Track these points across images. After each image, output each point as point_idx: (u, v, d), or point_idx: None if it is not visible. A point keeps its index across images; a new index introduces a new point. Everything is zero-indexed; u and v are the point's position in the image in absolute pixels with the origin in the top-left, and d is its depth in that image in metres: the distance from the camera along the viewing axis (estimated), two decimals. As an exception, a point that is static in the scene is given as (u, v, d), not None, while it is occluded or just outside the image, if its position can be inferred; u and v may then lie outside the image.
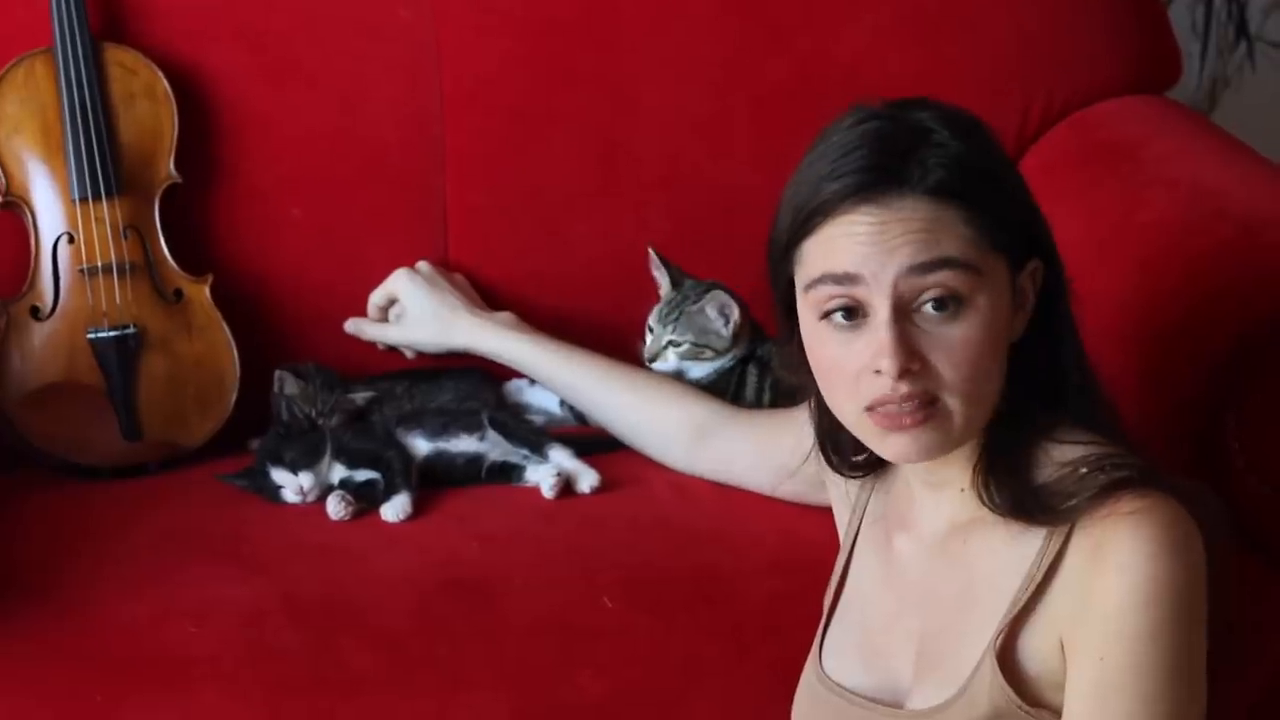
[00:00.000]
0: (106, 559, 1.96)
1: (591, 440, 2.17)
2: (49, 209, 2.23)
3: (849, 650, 1.73)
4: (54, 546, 2.00)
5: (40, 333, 2.21)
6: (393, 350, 2.34)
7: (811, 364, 1.63)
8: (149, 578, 1.93)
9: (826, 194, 1.55)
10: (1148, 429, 1.93)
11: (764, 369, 2.21)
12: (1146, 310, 2.05)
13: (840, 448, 1.74)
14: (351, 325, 2.33)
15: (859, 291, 1.55)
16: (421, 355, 2.33)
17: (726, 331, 2.21)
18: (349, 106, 2.38)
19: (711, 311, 2.21)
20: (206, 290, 2.26)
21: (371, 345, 2.34)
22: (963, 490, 1.64)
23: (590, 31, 2.42)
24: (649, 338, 2.24)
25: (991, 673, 1.57)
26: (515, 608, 1.92)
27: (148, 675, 1.85)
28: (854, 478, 1.77)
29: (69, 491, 2.16)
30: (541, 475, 2.08)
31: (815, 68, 2.43)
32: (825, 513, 1.89)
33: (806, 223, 1.57)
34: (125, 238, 2.23)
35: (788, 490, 2.01)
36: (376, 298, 2.32)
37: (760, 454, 2.04)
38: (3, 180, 2.24)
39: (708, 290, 2.22)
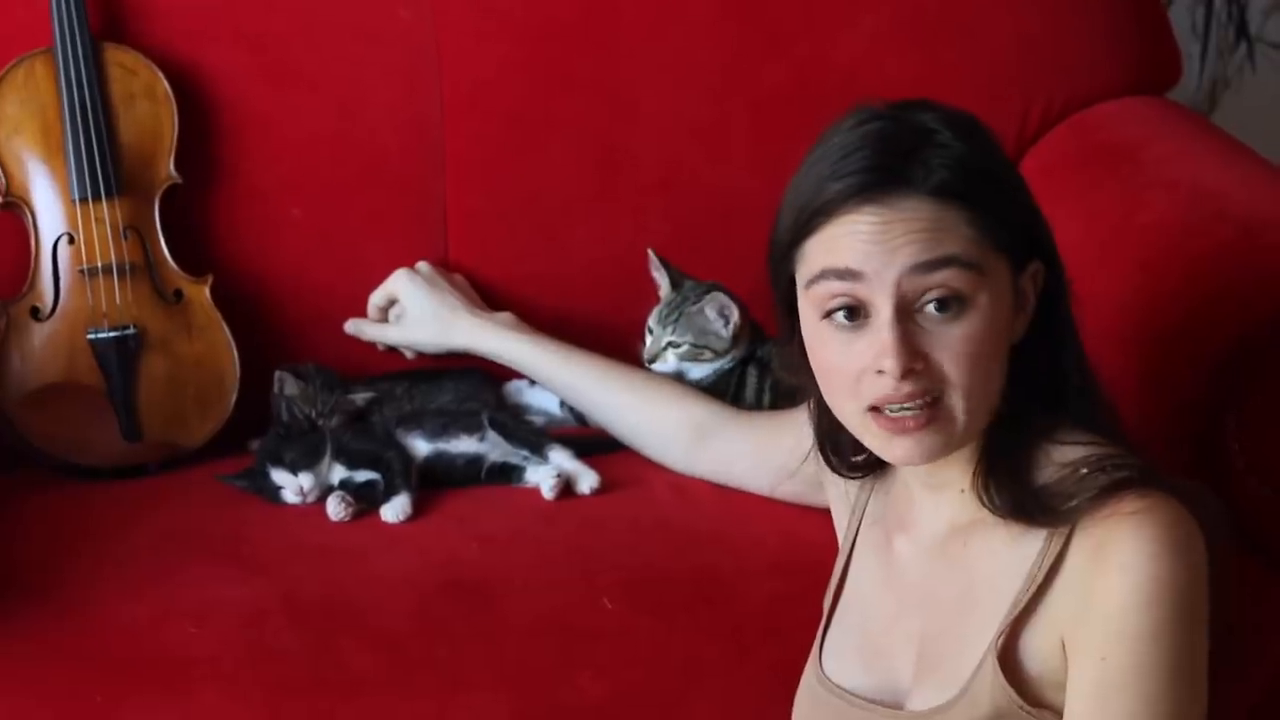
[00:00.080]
0: (106, 559, 1.96)
1: (591, 441, 2.17)
2: (49, 209, 2.23)
3: (849, 652, 1.73)
4: (54, 547, 2.00)
5: (40, 333, 2.21)
6: (393, 351, 2.34)
7: (812, 364, 1.63)
8: (149, 578, 1.93)
9: (830, 193, 1.56)
10: (1148, 430, 1.93)
11: (764, 370, 2.21)
12: (1146, 312, 2.05)
13: (840, 449, 1.74)
14: (351, 326, 2.33)
15: (861, 290, 1.55)
16: (421, 356, 2.33)
17: (726, 333, 2.21)
18: (349, 109, 2.38)
19: (711, 313, 2.21)
20: (206, 291, 2.26)
21: (371, 346, 2.34)
22: (963, 491, 1.64)
23: (589, 36, 2.42)
24: (649, 339, 2.24)
25: (993, 673, 1.56)
26: (515, 609, 1.91)
27: (148, 676, 1.85)
28: (853, 479, 1.77)
29: (69, 492, 2.16)
30: (541, 476, 2.08)
31: (813, 72, 2.43)
32: (825, 514, 1.89)
33: (809, 222, 1.57)
34: (125, 238, 2.22)
35: (787, 491, 2.01)
36: (376, 298, 2.32)
37: (760, 455, 2.04)
38: (3, 180, 2.24)
39: (707, 291, 2.22)
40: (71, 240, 2.22)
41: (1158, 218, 2.17)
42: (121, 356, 2.21)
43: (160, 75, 2.28)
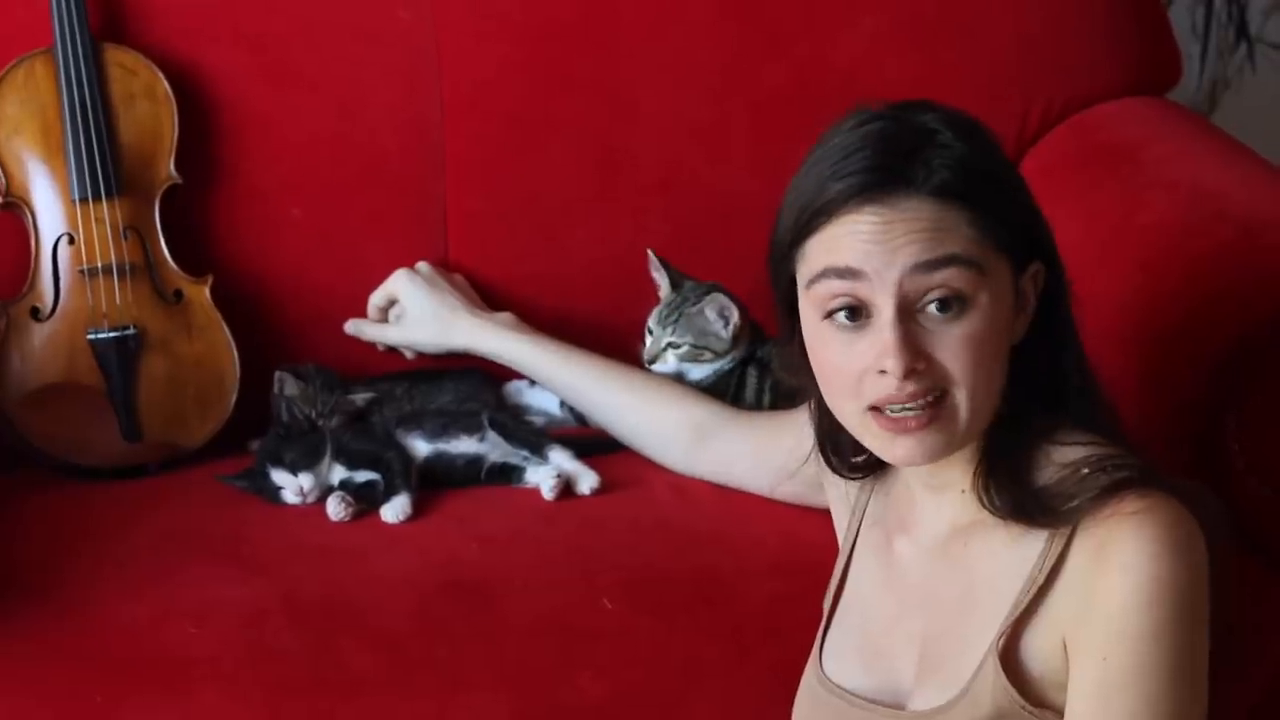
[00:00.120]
0: (106, 559, 1.96)
1: (591, 442, 2.17)
2: (49, 209, 2.23)
3: (849, 652, 1.73)
4: (54, 547, 2.00)
5: (40, 333, 2.21)
6: (393, 351, 2.34)
7: (813, 365, 1.63)
8: (149, 578, 1.93)
9: (831, 193, 1.56)
10: (1148, 431, 1.93)
11: (764, 370, 2.21)
12: (1146, 312, 2.05)
13: (840, 449, 1.73)
14: (351, 326, 2.33)
15: (862, 289, 1.55)
16: (421, 356, 2.33)
17: (726, 333, 2.21)
18: (349, 110, 2.38)
19: (711, 313, 2.21)
20: (206, 291, 2.26)
21: (371, 346, 2.34)
22: (963, 492, 1.64)
23: (589, 37, 2.42)
24: (648, 339, 2.24)
25: (994, 673, 1.56)
26: (515, 609, 1.91)
27: (148, 676, 1.85)
28: (854, 479, 1.77)
29: (69, 492, 2.16)
30: (541, 477, 2.08)
31: (813, 73, 2.43)
32: (825, 515, 1.89)
33: (810, 221, 1.57)
34: (125, 238, 2.22)
35: (787, 492, 2.01)
36: (376, 298, 2.32)
37: (759, 456, 2.04)
38: (3, 181, 2.24)
39: (707, 292, 2.22)
40: (71, 240, 2.22)
41: (1158, 218, 2.17)
42: (121, 357, 2.21)
43: (160, 75, 2.28)
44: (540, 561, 1.96)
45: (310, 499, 2.07)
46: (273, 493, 2.08)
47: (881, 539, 1.74)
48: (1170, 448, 1.98)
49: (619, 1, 2.43)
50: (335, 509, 2.04)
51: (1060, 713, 1.56)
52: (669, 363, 2.21)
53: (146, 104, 2.27)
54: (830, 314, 1.58)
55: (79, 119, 2.22)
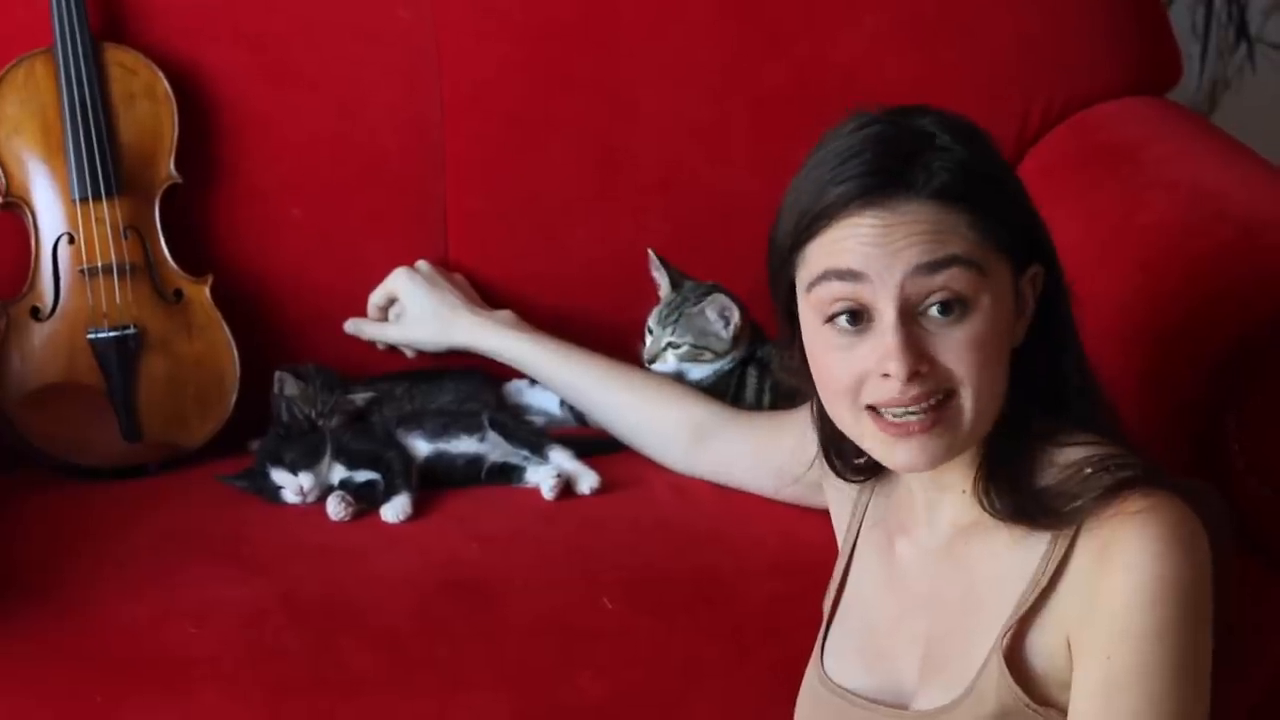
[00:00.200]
0: (106, 559, 1.96)
1: (592, 441, 2.17)
2: (49, 209, 2.23)
3: (851, 653, 1.73)
4: (54, 547, 2.00)
5: (40, 333, 2.21)
6: (393, 351, 2.34)
7: (812, 370, 1.63)
8: (149, 578, 1.93)
9: (831, 197, 1.55)
10: (1148, 431, 1.93)
11: (764, 371, 2.21)
12: (1147, 312, 2.05)
13: (843, 452, 1.73)
14: (351, 325, 2.33)
15: (864, 292, 1.55)
16: (422, 355, 2.33)
17: (726, 334, 2.21)
18: (349, 109, 2.38)
19: (711, 314, 2.21)
20: (206, 291, 2.26)
21: (371, 346, 2.34)
22: (964, 493, 1.64)
23: (589, 36, 2.42)
24: (648, 339, 2.24)
25: (999, 671, 1.57)
26: (515, 609, 1.91)
27: (148, 676, 1.85)
28: (856, 482, 1.77)
29: (69, 492, 2.16)
30: (542, 476, 2.08)
31: (813, 73, 2.43)
32: (825, 515, 1.89)
33: (811, 226, 1.57)
34: (125, 238, 2.22)
35: (787, 493, 2.01)
36: (376, 297, 2.32)
37: (759, 456, 2.04)
38: (3, 180, 2.24)
39: (708, 292, 2.22)
40: (72, 240, 2.22)
41: (1158, 218, 2.17)
42: (121, 356, 2.21)
43: (160, 75, 2.28)
44: (540, 561, 1.96)
45: (310, 499, 2.07)
46: (273, 492, 2.08)
47: (883, 539, 1.74)
48: (1170, 447, 1.98)
49: (619, 1, 2.43)
50: (335, 509, 2.04)
51: (1064, 711, 1.56)
52: (669, 362, 2.21)
53: (146, 103, 2.27)
54: (831, 318, 1.57)
55: (79, 118, 2.22)
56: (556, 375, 2.22)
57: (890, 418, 1.57)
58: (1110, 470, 1.56)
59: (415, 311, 2.30)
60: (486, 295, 2.36)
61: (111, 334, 2.20)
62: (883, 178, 1.54)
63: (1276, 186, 2.19)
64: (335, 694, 1.85)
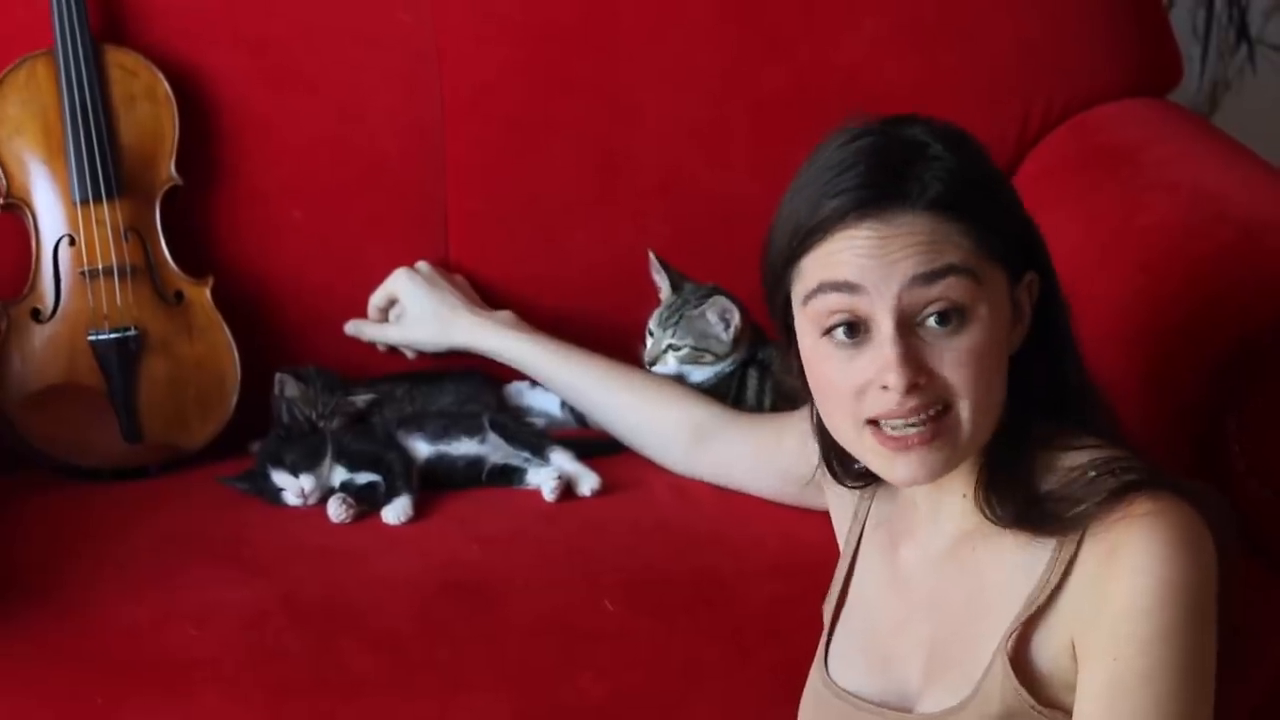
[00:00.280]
0: (107, 561, 1.96)
1: (593, 443, 2.17)
2: (50, 211, 2.23)
3: (855, 656, 1.73)
4: (54, 548, 2.00)
5: (41, 335, 2.21)
6: (393, 352, 2.34)
7: (810, 382, 1.63)
8: (149, 580, 1.93)
9: (826, 211, 1.55)
10: (1149, 433, 1.93)
11: (764, 373, 2.21)
12: (1147, 314, 2.05)
13: (845, 459, 1.73)
14: (352, 327, 2.33)
15: (861, 304, 1.55)
16: (422, 356, 2.33)
17: (727, 336, 2.21)
18: (349, 112, 2.38)
19: (712, 316, 2.21)
20: (207, 292, 2.26)
21: (372, 347, 2.34)
22: (964, 497, 1.64)
23: (589, 40, 2.42)
24: (649, 341, 2.24)
25: (1004, 673, 1.56)
26: (516, 610, 1.91)
27: (148, 677, 1.85)
28: (856, 488, 1.77)
29: (69, 493, 2.16)
30: (542, 478, 2.08)
31: (813, 76, 2.43)
32: (825, 516, 1.89)
33: (806, 239, 1.57)
34: (126, 240, 2.23)
35: (787, 494, 2.01)
36: (376, 299, 2.32)
37: (760, 458, 2.04)
38: (4, 182, 2.24)
39: (708, 295, 2.22)
40: (72, 242, 2.22)
41: (1158, 220, 2.17)
42: (122, 358, 2.21)
43: (161, 77, 2.28)
44: (541, 563, 1.96)
45: (311, 500, 2.07)
46: (274, 494, 2.08)
47: (885, 542, 1.74)
48: (1171, 449, 1.98)
49: (619, 4, 2.43)
50: (336, 510, 2.04)
51: (1069, 713, 1.55)
52: (669, 365, 2.21)
53: (147, 105, 2.27)
54: (828, 330, 1.57)
55: (80, 120, 2.22)
56: (557, 376, 2.22)
57: (890, 431, 1.57)
58: (1114, 474, 1.56)
59: (415, 312, 2.30)
60: (487, 297, 2.36)
61: (112, 335, 2.21)
62: (876, 190, 1.54)
63: (1277, 188, 2.19)
64: (336, 695, 1.85)
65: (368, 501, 2.06)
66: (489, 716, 1.88)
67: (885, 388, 1.55)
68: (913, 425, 1.56)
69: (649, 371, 2.21)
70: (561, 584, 1.94)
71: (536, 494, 2.08)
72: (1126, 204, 2.25)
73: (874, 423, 1.57)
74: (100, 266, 2.21)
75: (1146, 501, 1.53)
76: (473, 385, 2.28)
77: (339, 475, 2.09)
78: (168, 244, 2.26)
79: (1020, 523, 1.59)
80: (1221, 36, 3.50)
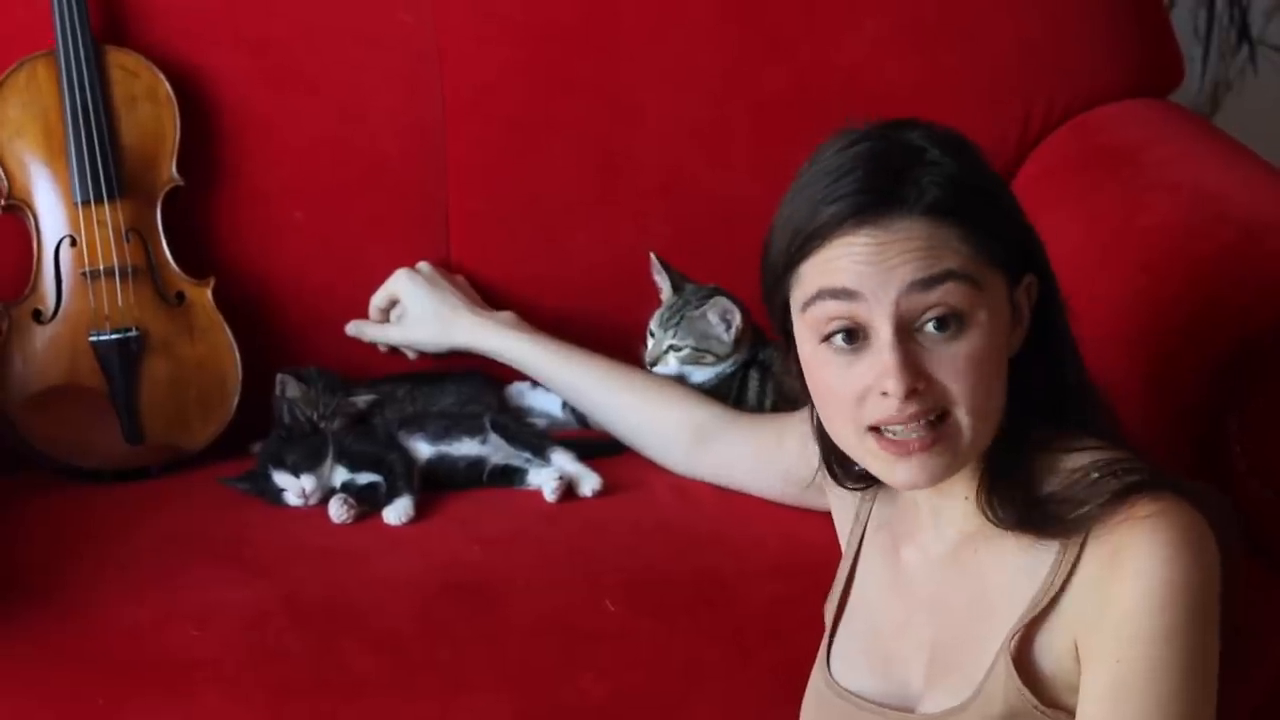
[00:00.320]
0: (108, 562, 1.96)
1: (594, 444, 2.17)
2: (51, 212, 2.23)
3: (857, 656, 1.73)
4: (56, 549, 2.00)
5: (42, 336, 2.21)
6: (395, 353, 2.34)
7: (810, 388, 1.63)
8: (151, 580, 1.93)
9: (824, 217, 1.55)
10: (1150, 433, 1.93)
11: (765, 373, 2.21)
12: (1148, 314, 2.05)
13: (845, 461, 1.72)
14: (353, 327, 2.33)
15: (859, 311, 1.55)
16: (423, 357, 2.33)
17: (728, 337, 2.21)
18: (350, 113, 2.38)
19: (713, 317, 2.21)
20: (208, 293, 2.26)
21: (373, 348, 2.34)
22: (966, 499, 1.64)
23: (590, 40, 2.42)
24: (650, 342, 2.24)
25: (1006, 674, 1.56)
26: (517, 610, 1.91)
27: (149, 678, 1.85)
28: (856, 489, 1.77)
29: (71, 494, 2.16)
30: (543, 478, 2.09)
31: (814, 76, 2.43)
32: (826, 517, 1.89)
33: (804, 245, 1.57)
34: (127, 241, 2.23)
35: (788, 495, 2.01)
36: (378, 299, 2.32)
37: (761, 459, 2.04)
38: (5, 183, 2.24)
39: (709, 295, 2.22)
40: (73, 243, 2.22)
41: (1159, 220, 2.17)
42: (123, 359, 2.21)
43: (162, 78, 2.28)
44: (542, 563, 1.96)
45: (312, 501, 2.07)
46: (275, 495, 2.08)
47: (888, 543, 1.74)
48: (1172, 450, 1.98)
49: (620, 5, 2.43)
50: (337, 511, 2.04)
51: (1072, 713, 1.56)
52: (670, 365, 2.21)
53: (148, 106, 2.27)
54: (827, 337, 1.57)
55: (81, 121, 2.22)
56: (558, 376, 2.22)
57: (890, 435, 1.57)
58: (1116, 475, 1.56)
59: (416, 312, 2.30)
60: (488, 298, 2.36)
61: (113, 336, 2.21)
62: (874, 196, 1.54)
63: (1278, 189, 2.19)
64: (337, 696, 1.85)
65: (369, 502, 2.06)
66: (490, 717, 1.88)
67: (884, 394, 1.54)
68: (913, 431, 1.56)
69: (650, 372, 2.21)
70: (563, 584, 1.94)
71: (538, 494, 2.08)
72: (1127, 204, 2.25)
73: (875, 429, 1.57)
74: (101, 267, 2.21)
75: (1149, 503, 1.53)
76: (474, 386, 2.28)
77: (340, 476, 2.09)
78: (169, 245, 2.26)
79: (1023, 525, 1.59)
80: (1223, 37, 3.50)
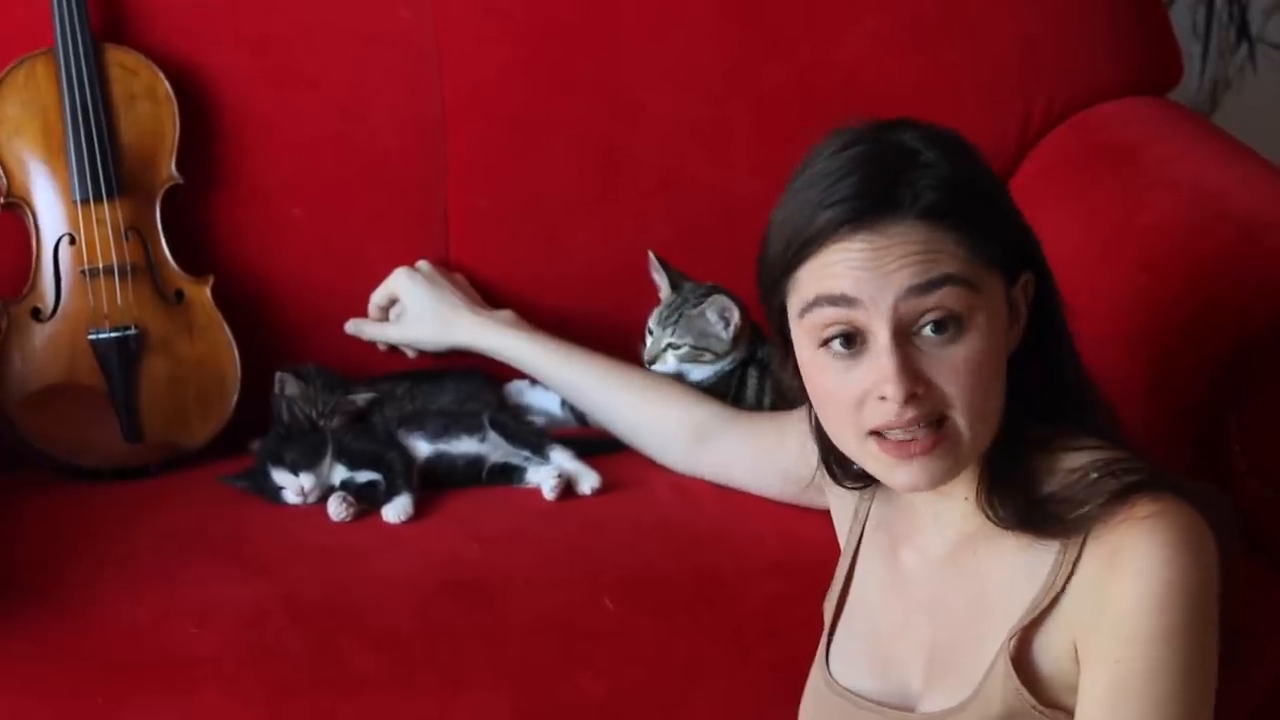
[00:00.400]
0: (107, 560, 1.96)
1: (593, 442, 2.18)
2: (50, 210, 2.23)
3: (857, 656, 1.73)
4: (55, 547, 2.00)
5: (41, 334, 2.21)
6: (394, 351, 2.34)
7: (809, 392, 1.63)
8: (150, 579, 1.93)
9: (820, 223, 1.55)
10: (1150, 432, 1.93)
11: (764, 371, 2.21)
12: (1148, 313, 2.05)
13: (844, 461, 1.72)
14: (352, 326, 2.33)
15: (857, 316, 1.54)
16: (423, 355, 2.33)
17: (727, 335, 2.21)
18: (350, 111, 2.38)
19: (712, 315, 2.21)
20: (207, 291, 2.26)
21: (372, 346, 2.34)
22: (966, 500, 1.64)
23: (590, 38, 2.42)
24: (649, 340, 2.24)
25: (1005, 674, 1.56)
26: (516, 609, 1.91)
27: (149, 676, 1.85)
28: (855, 489, 1.77)
29: (70, 493, 2.16)
30: (542, 477, 2.09)
31: (815, 74, 2.43)
32: (826, 515, 1.89)
33: (801, 251, 1.56)
34: (126, 239, 2.23)
35: (787, 493, 2.01)
36: (377, 297, 2.33)
37: (759, 457, 2.04)
38: (4, 181, 2.24)
39: (708, 294, 2.22)
40: (73, 241, 2.22)
41: (1159, 219, 2.17)
42: (123, 357, 2.21)
43: (161, 76, 2.28)
44: (541, 561, 1.96)
45: (311, 499, 2.07)
46: (274, 493, 2.08)
47: (886, 543, 1.74)
48: (1172, 449, 1.98)
49: (621, 3, 2.43)
50: (336, 509, 2.04)
51: (1070, 713, 1.55)
52: (669, 363, 2.21)
53: (148, 104, 2.27)
54: (825, 342, 1.57)
55: (80, 119, 2.22)
56: (557, 375, 2.22)
57: (891, 437, 1.57)
58: (1116, 475, 1.56)
59: (416, 310, 2.30)
60: (487, 296, 2.36)
61: (112, 335, 2.21)
62: (870, 200, 1.53)
63: (1278, 187, 2.19)
64: (336, 694, 1.85)
65: (368, 500, 2.06)
66: (489, 715, 1.88)
67: (883, 398, 1.54)
68: (913, 434, 1.55)
69: (649, 370, 2.21)
70: (562, 582, 1.94)
71: (537, 492, 2.08)
72: (1127, 203, 2.25)
73: (875, 432, 1.57)
74: (100, 265, 2.21)
75: (1148, 503, 1.53)
76: (473, 384, 2.28)
77: (339, 474, 2.09)
78: (168, 243, 2.26)
79: (1023, 525, 1.59)
80: (1222, 35, 3.50)
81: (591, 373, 2.19)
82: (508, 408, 2.26)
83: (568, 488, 2.08)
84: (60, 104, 2.23)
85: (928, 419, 1.55)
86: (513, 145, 2.40)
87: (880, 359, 1.54)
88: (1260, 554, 1.96)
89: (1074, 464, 1.59)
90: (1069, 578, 1.56)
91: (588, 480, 2.09)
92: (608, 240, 2.40)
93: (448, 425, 2.15)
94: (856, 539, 1.78)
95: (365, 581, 1.93)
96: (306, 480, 2.07)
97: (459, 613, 1.90)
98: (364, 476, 2.08)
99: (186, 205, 2.30)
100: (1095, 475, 1.57)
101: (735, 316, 2.20)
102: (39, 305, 2.22)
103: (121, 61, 2.27)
